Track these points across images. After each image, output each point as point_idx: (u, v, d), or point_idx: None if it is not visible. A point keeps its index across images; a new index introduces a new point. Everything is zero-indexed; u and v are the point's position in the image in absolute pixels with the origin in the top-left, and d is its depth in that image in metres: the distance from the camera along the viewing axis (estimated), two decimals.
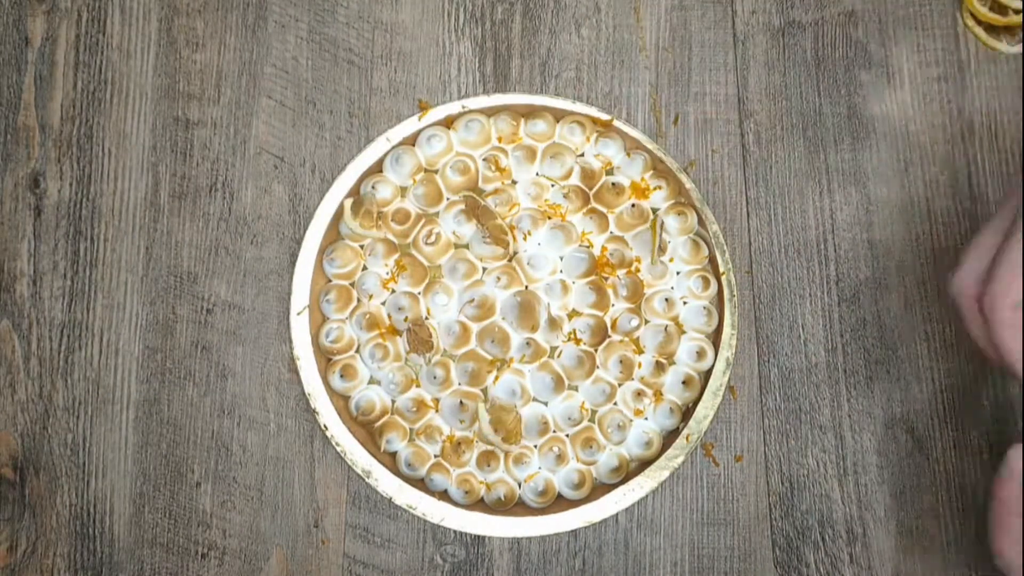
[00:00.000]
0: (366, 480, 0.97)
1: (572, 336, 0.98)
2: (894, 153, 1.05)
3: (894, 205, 1.04)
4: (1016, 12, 1.06)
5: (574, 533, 0.98)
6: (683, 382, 0.98)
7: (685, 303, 1.00)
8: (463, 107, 1.03)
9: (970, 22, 1.08)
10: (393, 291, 0.99)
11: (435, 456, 0.97)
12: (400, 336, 0.98)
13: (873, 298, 1.02)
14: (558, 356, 0.98)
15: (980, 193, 1.04)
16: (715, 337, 1.00)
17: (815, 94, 1.07)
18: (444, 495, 0.97)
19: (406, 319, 0.97)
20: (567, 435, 0.97)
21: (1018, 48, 1.07)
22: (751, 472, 0.99)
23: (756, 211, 1.04)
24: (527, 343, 0.97)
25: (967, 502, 0.98)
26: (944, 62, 1.07)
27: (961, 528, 0.98)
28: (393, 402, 0.98)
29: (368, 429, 0.98)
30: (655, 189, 1.01)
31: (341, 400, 0.98)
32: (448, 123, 1.03)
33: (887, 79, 1.07)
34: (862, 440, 1.00)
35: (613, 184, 1.00)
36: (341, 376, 0.97)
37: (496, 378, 0.97)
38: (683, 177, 1.02)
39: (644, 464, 0.98)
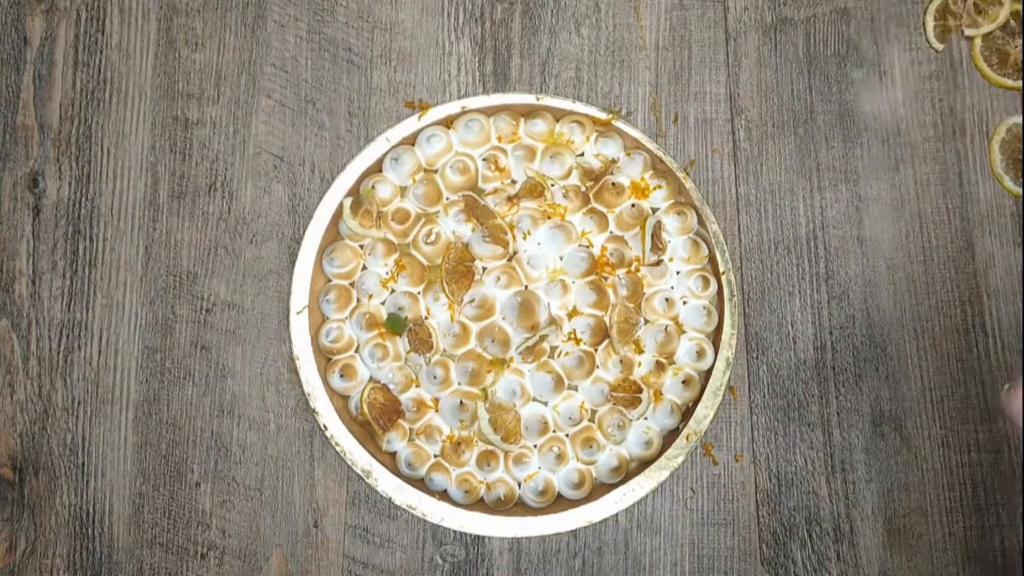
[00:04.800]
0: (366, 480, 0.90)
1: (572, 336, 0.90)
2: (885, 151, 0.98)
3: (884, 203, 0.97)
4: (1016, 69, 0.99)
5: (574, 533, 0.91)
6: (683, 382, 0.91)
7: (685, 303, 0.93)
8: (463, 107, 0.95)
9: (982, 65, 1.00)
10: (393, 291, 0.92)
11: (435, 456, 0.90)
12: (400, 336, 0.90)
13: (862, 295, 0.95)
14: (558, 356, 0.90)
15: (971, 191, 0.97)
16: (715, 337, 0.93)
17: (807, 91, 0.99)
18: (444, 495, 0.90)
19: (406, 319, 0.90)
20: (567, 435, 0.90)
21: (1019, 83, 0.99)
22: (750, 471, 0.92)
23: (746, 208, 0.97)
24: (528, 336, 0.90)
25: (955, 500, 0.91)
26: (936, 60, 1.00)
27: (948, 527, 0.91)
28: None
29: (363, 424, 0.90)
30: (655, 189, 0.93)
31: (341, 400, 0.91)
32: (448, 123, 0.95)
33: (879, 77, 0.99)
34: (850, 438, 0.92)
35: (613, 184, 0.93)
36: (341, 376, 0.90)
37: (496, 378, 0.90)
38: (683, 177, 0.95)
39: (644, 464, 0.91)
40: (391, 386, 0.89)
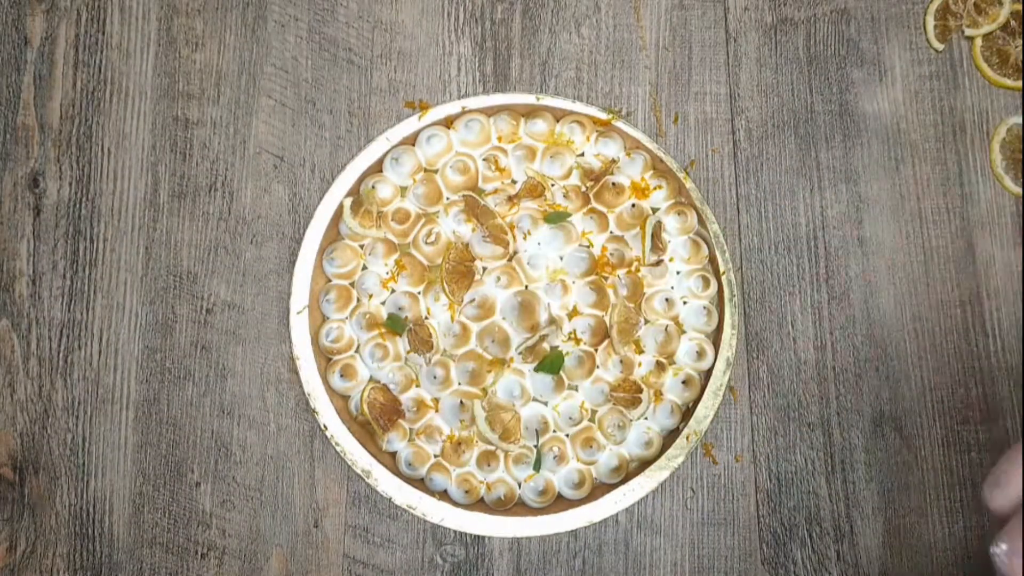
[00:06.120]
0: (366, 480, 0.89)
1: (572, 336, 0.89)
2: (885, 151, 0.97)
3: (885, 203, 0.96)
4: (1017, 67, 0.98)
5: (574, 533, 0.90)
6: (683, 382, 0.90)
7: (685, 303, 0.92)
8: (463, 107, 0.95)
9: (982, 65, 0.99)
10: (393, 291, 0.91)
11: (435, 456, 0.89)
12: (400, 336, 0.89)
13: (863, 296, 0.94)
14: None
15: (971, 191, 0.96)
16: (715, 337, 0.92)
17: (807, 91, 0.98)
18: (444, 495, 0.89)
19: (406, 319, 0.89)
20: (567, 435, 0.89)
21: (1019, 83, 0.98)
22: (750, 471, 0.91)
23: (746, 208, 0.96)
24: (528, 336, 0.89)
25: (955, 500, 0.90)
26: (936, 60, 0.99)
27: (948, 526, 0.90)
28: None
29: (363, 425, 0.90)
30: (655, 189, 0.92)
31: (341, 400, 0.90)
32: (448, 123, 0.94)
33: (879, 77, 0.98)
34: (850, 438, 0.91)
35: (613, 184, 0.92)
36: (341, 376, 0.89)
37: (496, 378, 0.89)
38: (683, 177, 0.94)
39: (644, 464, 0.90)
40: (391, 386, 0.88)
